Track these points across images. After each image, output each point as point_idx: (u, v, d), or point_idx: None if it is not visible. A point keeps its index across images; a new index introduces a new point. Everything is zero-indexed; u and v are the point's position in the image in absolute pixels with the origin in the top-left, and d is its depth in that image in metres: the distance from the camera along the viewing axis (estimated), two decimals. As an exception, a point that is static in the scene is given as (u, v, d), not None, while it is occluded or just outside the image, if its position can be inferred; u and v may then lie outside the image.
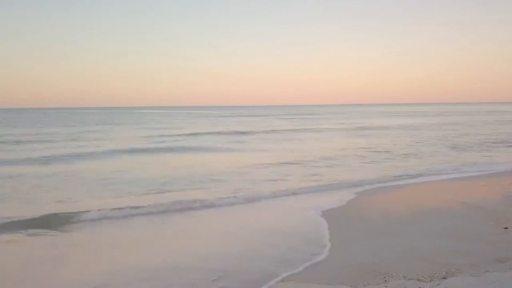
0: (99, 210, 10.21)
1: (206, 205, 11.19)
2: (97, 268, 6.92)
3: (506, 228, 8.38)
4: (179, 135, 37.71)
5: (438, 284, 5.74)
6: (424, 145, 26.26)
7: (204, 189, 13.31)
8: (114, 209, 10.41)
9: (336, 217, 9.88)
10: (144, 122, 68.73)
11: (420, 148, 24.87)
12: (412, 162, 19.17)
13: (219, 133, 40.34)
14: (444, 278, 5.98)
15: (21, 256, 7.65)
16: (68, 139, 34.16)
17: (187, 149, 26.50)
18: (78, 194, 12.62)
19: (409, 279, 6.00)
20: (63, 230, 9.11)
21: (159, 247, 8.01)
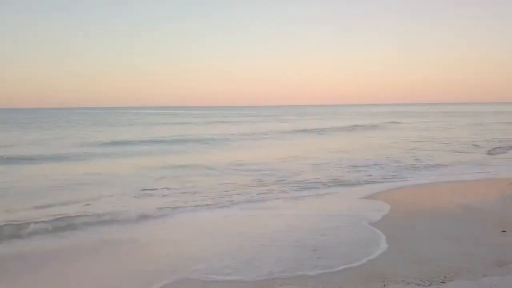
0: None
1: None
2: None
3: (504, 231, 8.40)
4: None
5: (436, 288, 5.76)
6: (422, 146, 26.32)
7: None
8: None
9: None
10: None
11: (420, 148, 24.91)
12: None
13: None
14: (443, 282, 6.00)
15: None
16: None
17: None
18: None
19: (407, 283, 6.01)
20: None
21: (159, 247, 8.03)
